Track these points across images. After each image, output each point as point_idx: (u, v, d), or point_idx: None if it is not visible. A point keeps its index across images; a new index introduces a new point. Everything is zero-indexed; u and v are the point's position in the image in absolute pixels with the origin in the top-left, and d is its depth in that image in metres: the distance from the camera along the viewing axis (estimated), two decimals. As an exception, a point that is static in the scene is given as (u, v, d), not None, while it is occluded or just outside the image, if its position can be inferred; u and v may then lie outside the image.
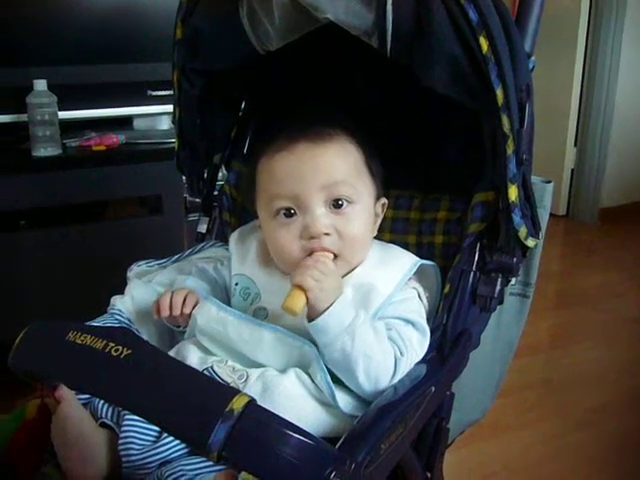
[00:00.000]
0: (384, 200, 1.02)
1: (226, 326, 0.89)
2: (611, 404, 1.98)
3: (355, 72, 1.13)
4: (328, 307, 0.83)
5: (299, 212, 0.93)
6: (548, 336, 2.46)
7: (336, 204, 0.92)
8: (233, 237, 1.07)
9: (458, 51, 0.82)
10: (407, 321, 0.91)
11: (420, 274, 0.98)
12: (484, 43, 0.81)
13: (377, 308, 0.91)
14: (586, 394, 2.04)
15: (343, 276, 0.93)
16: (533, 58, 0.91)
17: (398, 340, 0.88)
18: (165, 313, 0.93)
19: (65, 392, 0.82)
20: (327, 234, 0.91)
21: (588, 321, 2.54)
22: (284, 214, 0.93)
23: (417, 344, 0.90)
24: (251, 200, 1.02)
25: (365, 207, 0.96)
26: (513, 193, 0.87)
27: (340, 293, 0.86)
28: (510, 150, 0.85)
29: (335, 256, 0.92)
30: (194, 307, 0.93)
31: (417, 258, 0.98)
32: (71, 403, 0.83)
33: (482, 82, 0.83)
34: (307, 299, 0.83)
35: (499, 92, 0.83)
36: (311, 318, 0.84)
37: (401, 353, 0.87)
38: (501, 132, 0.85)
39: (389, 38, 0.84)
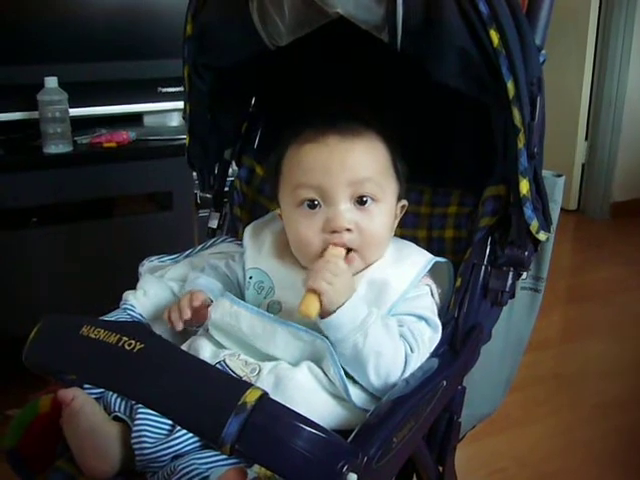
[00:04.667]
0: (404, 202, 1.01)
1: (239, 320, 0.89)
2: (620, 399, 1.97)
3: (364, 67, 1.13)
4: (341, 305, 0.83)
5: (323, 204, 0.92)
6: (558, 331, 2.46)
7: (360, 201, 0.92)
8: (247, 231, 1.06)
9: (468, 44, 0.82)
10: (420, 317, 0.91)
11: (433, 271, 0.97)
12: (495, 36, 0.81)
13: (391, 305, 0.91)
14: (596, 389, 2.04)
15: (358, 272, 0.93)
16: (544, 52, 0.90)
17: (409, 337, 0.87)
18: (179, 327, 0.94)
19: (72, 392, 0.83)
20: (349, 230, 0.91)
21: (598, 316, 2.53)
22: (308, 205, 0.93)
23: (428, 341, 0.90)
24: (272, 189, 1.02)
25: (388, 206, 0.96)
26: (524, 187, 0.87)
27: (353, 291, 0.86)
28: (521, 143, 0.85)
29: (349, 251, 0.92)
30: (200, 306, 0.93)
31: (431, 256, 0.98)
32: (83, 397, 0.84)
33: (493, 75, 0.83)
34: (321, 302, 0.83)
35: (510, 85, 0.82)
36: (324, 316, 0.84)
37: (412, 350, 0.87)
38: (512, 125, 0.85)
39: (399, 32, 0.84)
